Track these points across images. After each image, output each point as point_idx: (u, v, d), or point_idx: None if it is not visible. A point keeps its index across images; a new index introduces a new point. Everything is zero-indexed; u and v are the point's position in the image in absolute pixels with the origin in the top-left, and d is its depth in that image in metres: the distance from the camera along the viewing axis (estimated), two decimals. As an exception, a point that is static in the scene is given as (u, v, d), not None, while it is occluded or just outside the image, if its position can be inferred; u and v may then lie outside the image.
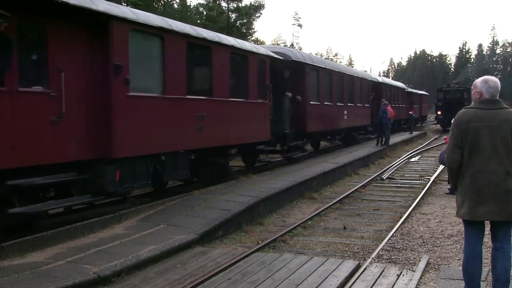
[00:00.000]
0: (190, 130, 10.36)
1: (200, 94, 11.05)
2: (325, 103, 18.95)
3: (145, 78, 9.33)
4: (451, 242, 7.88)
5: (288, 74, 15.56)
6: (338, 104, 20.59)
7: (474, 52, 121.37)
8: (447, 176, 13.19)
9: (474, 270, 4.73)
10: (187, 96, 10.28)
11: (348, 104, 22.05)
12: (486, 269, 5.71)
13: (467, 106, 4.84)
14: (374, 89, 27.63)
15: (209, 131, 10.97)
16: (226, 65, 11.83)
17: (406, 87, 39.90)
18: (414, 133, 33.96)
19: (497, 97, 4.74)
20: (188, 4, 34.91)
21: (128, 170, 8.73)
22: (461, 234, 8.17)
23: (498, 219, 4.59)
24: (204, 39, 10.92)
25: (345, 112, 21.50)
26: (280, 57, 15.18)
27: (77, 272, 5.74)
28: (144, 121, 9.00)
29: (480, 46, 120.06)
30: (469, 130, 4.61)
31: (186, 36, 10.25)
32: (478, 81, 4.84)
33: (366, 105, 25.37)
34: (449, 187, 12.61)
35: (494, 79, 4.80)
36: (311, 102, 17.24)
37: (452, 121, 4.90)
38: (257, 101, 13.41)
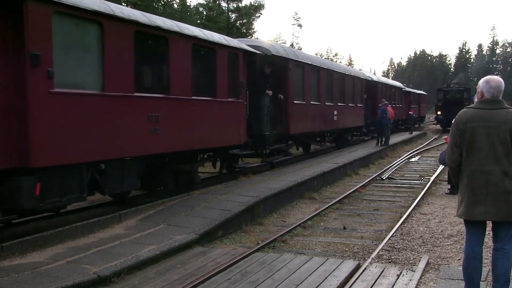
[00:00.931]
0: (139, 134, 8.88)
1: (153, 91, 9.86)
2: (312, 102, 17.53)
3: (77, 72, 7.89)
4: (451, 242, 7.87)
5: (269, 70, 14.35)
6: (327, 103, 19.23)
7: (474, 52, 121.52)
8: (447, 176, 13.21)
9: (474, 270, 4.73)
10: (136, 94, 8.81)
11: (339, 104, 20.72)
12: (486, 269, 5.72)
13: (468, 106, 4.85)
14: (369, 88, 26.65)
15: (165, 134, 9.50)
16: (187, 58, 10.23)
17: (403, 87, 39.16)
18: (414, 133, 33.96)
19: (500, 97, 4.71)
20: (188, 4, 34.89)
21: (53, 182, 7.30)
22: (461, 234, 8.19)
23: (496, 219, 4.59)
24: (158, 28, 9.37)
25: (335, 112, 20.16)
26: (256, 51, 13.42)
27: (77, 272, 5.74)
28: (76, 123, 7.54)
29: (480, 46, 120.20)
30: (467, 129, 4.62)
31: (134, 23, 8.74)
32: (481, 81, 4.85)
33: (359, 105, 24.17)
34: (449, 187, 12.62)
35: (496, 79, 4.77)
36: (295, 101, 15.89)
37: (452, 122, 4.92)
38: (228, 100, 11.80)
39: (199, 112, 10.72)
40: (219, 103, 11.53)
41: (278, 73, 14.94)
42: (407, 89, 40.69)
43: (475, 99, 4.92)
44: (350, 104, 22.40)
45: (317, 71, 18.30)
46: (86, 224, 7.59)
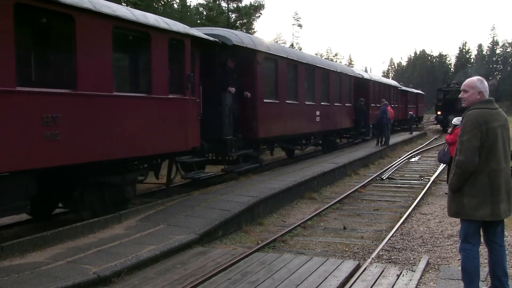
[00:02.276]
0: (25, 140, 6.80)
1: (50, 85, 7.70)
2: (288, 101, 15.42)
3: None
4: (451, 242, 7.87)
5: (233, 64, 12.63)
6: (307, 103, 17.08)
7: (474, 52, 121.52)
8: (446, 177, 13.20)
9: (475, 270, 4.75)
10: (19, 89, 6.71)
11: (322, 104, 18.65)
12: (485, 269, 5.71)
13: (476, 107, 4.74)
14: (360, 86, 24.55)
15: (68, 141, 7.44)
16: (105, 44, 8.11)
17: (399, 85, 37.46)
18: (414, 133, 33.96)
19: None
20: (188, 4, 34.90)
21: None
22: (461, 234, 8.18)
23: (508, 216, 4.71)
24: (57, 3, 7.20)
25: (318, 112, 18.06)
26: (210, 38, 11.18)
27: (77, 272, 5.74)
28: None
29: (480, 46, 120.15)
30: (489, 130, 4.62)
31: None
32: (476, 81, 4.83)
33: (347, 104, 22.13)
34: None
35: (483, 79, 4.91)
36: (266, 100, 13.83)
37: (464, 123, 4.73)
38: (168, 97, 9.70)
39: (125, 112, 8.60)
40: (155, 100, 9.34)
41: (244, 67, 13.08)
42: (403, 88, 39.56)
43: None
44: (336, 104, 20.51)
45: (295, 66, 16.14)
46: (86, 224, 7.59)
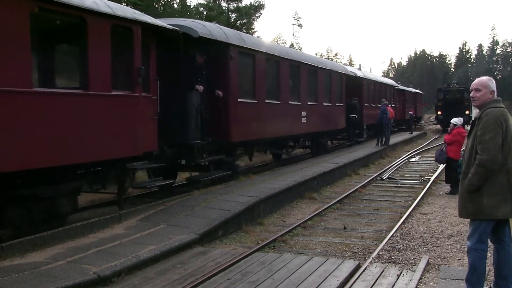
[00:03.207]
0: None
1: None
2: (267, 101, 14.02)
3: None
4: (451, 242, 7.88)
5: (202, 60, 11.26)
6: (291, 102, 15.69)
7: (474, 52, 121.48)
8: (445, 176, 13.19)
9: (483, 270, 4.76)
10: None
11: (309, 103, 17.20)
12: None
13: (493, 106, 4.75)
14: (353, 85, 23.15)
15: None
16: (18, 30, 6.62)
17: (396, 85, 36.06)
18: (414, 133, 33.96)
19: None
20: (188, 4, 34.90)
21: None
22: (461, 234, 8.20)
23: None
24: None
25: (304, 113, 16.61)
26: (167, 26, 9.62)
27: (77, 272, 5.74)
28: None
29: (480, 46, 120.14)
30: (508, 129, 4.67)
31: None
32: (487, 80, 4.87)
33: (338, 104, 20.66)
34: (449, 187, 12.61)
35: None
36: (241, 100, 12.44)
37: (485, 122, 4.68)
38: (111, 94, 8.22)
39: (51, 111, 7.21)
40: (93, 98, 7.86)
41: (215, 62, 11.70)
42: (401, 87, 38.43)
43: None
44: (325, 104, 19.04)
45: (276, 62, 14.71)
46: (86, 224, 7.58)
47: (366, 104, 24.81)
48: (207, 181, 11.55)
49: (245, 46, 12.72)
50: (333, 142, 23.48)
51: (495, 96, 4.83)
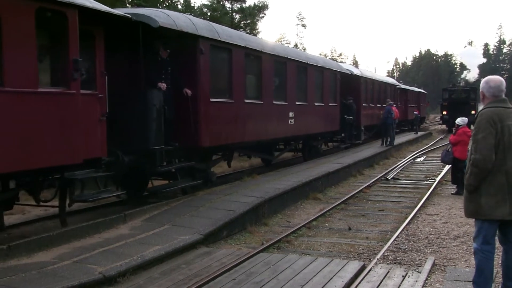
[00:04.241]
0: None
1: None
2: (247, 100, 12.61)
3: None
4: (457, 243, 7.85)
5: (167, 54, 10.05)
6: (276, 102, 14.23)
7: (480, 51, 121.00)
8: (451, 177, 13.16)
9: (491, 272, 4.74)
10: None
11: (298, 103, 15.73)
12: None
13: (489, 106, 4.76)
14: (349, 84, 21.67)
15: None
16: None
17: (398, 84, 34.96)
18: (419, 133, 33.88)
19: (503, 96, 4.82)
20: (192, 5, 34.91)
21: None
22: (468, 235, 8.17)
23: None
24: None
25: (291, 114, 15.19)
26: (116, 12, 8.33)
27: (82, 272, 5.76)
28: None
29: (486, 45, 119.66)
30: (504, 128, 4.63)
31: None
32: (482, 81, 4.94)
33: (332, 104, 19.17)
34: (455, 187, 12.57)
35: (496, 79, 4.88)
36: (213, 99, 11.01)
37: (478, 122, 4.72)
38: (38, 91, 6.80)
39: None
40: (10, 95, 6.49)
41: (182, 57, 10.47)
42: (403, 86, 37.24)
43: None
44: (317, 104, 17.55)
45: (258, 58, 13.30)
46: (92, 224, 7.61)
47: (364, 104, 23.48)
48: (172, 191, 10.30)
49: (219, 39, 11.21)
50: (329, 145, 22.29)
51: (485, 96, 4.81)
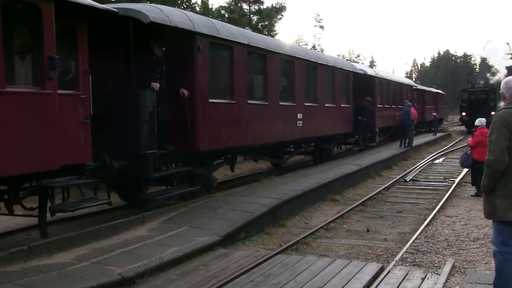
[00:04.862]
0: None
1: None
2: (250, 101, 11.88)
3: None
4: (478, 245, 7.76)
5: (162, 52, 9.46)
6: (282, 103, 13.53)
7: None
8: (471, 178, 13.01)
9: (510, 274, 4.67)
10: None
11: (307, 104, 15.01)
12: None
13: (507, 107, 4.73)
14: (362, 84, 20.97)
15: None
16: None
17: (414, 84, 34.02)
18: (438, 134, 33.55)
19: None
20: (210, 7, 35.07)
21: None
22: (488, 237, 8.05)
23: None
24: None
25: (300, 115, 14.45)
26: (100, 6, 7.47)
27: (101, 273, 5.81)
28: None
29: (507, 44, 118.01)
30: None
31: None
32: (502, 82, 4.89)
33: (344, 105, 18.43)
34: (475, 189, 12.42)
35: None
36: (212, 100, 10.35)
37: (492, 123, 4.70)
38: (6, 90, 6.13)
39: None
40: None
41: (178, 55, 9.86)
42: (420, 87, 36.24)
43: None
44: (327, 105, 16.76)
45: (262, 57, 12.67)
46: (110, 226, 7.67)
47: (379, 105, 22.94)
48: (166, 199, 9.49)
49: (219, 36, 10.55)
50: (342, 147, 21.42)
51: (505, 97, 4.76)
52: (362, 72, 21.09)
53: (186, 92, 9.59)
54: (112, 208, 10.24)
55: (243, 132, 11.61)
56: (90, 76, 7.52)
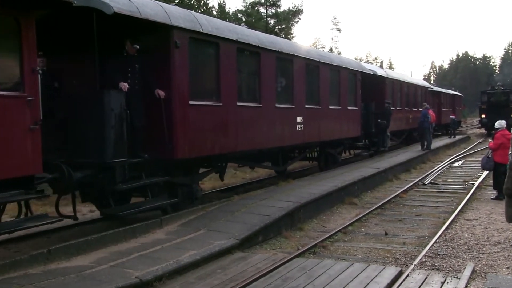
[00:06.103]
0: None
1: None
2: (240, 103, 10.74)
3: None
4: (498, 250, 7.64)
5: (134, 50, 8.53)
6: (279, 105, 12.35)
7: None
8: (492, 181, 12.85)
9: None
10: None
11: (308, 107, 13.81)
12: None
13: None
14: (372, 85, 19.63)
15: None
16: None
17: (430, 86, 32.86)
18: (457, 137, 33.18)
19: None
20: (227, 11, 35.28)
21: None
22: (509, 241, 7.96)
23: None
24: None
25: (300, 119, 13.32)
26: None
27: (119, 276, 5.85)
28: None
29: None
30: None
31: None
32: None
33: (351, 108, 17.07)
34: (496, 192, 12.25)
35: None
36: (193, 102, 9.23)
37: None
38: None
39: None
40: None
41: (153, 53, 8.81)
42: (435, 88, 34.82)
43: None
44: (332, 107, 15.51)
45: (255, 54, 11.46)
46: (128, 229, 7.72)
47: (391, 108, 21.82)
48: (130, 214, 8.38)
49: (201, 31, 9.40)
50: (351, 152, 19.87)
51: None
52: (371, 73, 19.76)
53: (162, 93, 8.54)
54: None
55: (233, 137, 10.50)
56: (39, 76, 6.56)
